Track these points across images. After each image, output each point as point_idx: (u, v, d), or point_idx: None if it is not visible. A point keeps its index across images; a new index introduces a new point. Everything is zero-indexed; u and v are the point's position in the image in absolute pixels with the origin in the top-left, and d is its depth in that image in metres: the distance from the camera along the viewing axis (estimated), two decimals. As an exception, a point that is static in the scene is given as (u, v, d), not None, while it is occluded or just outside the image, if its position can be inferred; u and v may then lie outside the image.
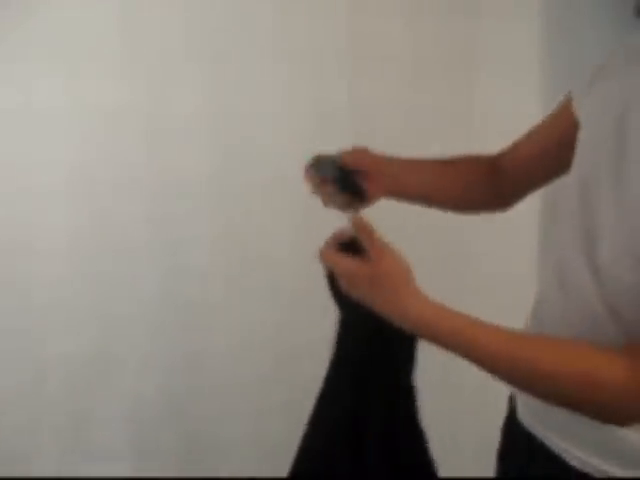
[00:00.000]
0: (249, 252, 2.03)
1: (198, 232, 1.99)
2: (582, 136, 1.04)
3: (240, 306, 2.04)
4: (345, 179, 1.16)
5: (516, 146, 1.27)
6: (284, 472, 1.13)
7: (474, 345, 0.89)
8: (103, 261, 1.95)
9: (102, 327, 1.99)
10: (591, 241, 0.93)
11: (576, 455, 1.00)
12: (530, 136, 1.25)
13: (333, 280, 1.01)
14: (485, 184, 1.28)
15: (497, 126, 1.95)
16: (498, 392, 1.16)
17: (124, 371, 2.02)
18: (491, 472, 1.23)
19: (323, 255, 1.00)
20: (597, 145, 0.96)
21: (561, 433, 1.04)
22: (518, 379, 0.90)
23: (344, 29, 1.94)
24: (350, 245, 1.00)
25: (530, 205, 1.28)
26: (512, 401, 1.21)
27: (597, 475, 0.98)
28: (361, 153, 1.21)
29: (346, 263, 0.96)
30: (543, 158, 1.22)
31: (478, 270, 2.10)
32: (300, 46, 1.93)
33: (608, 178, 0.91)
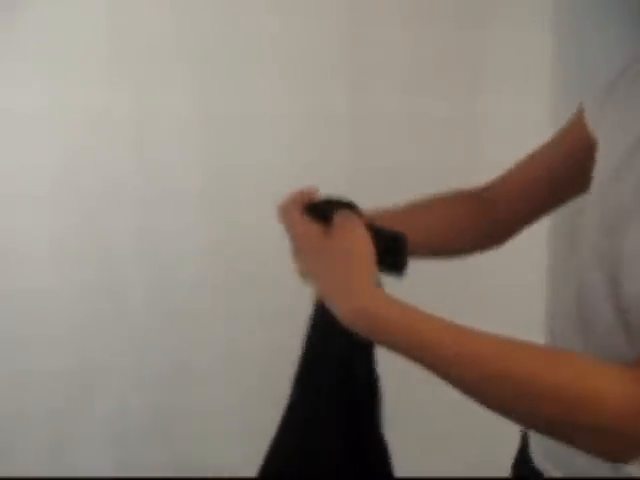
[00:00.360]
0: (239, 263, 1.98)
1: (187, 242, 1.94)
2: (600, 158, 0.96)
3: (229, 319, 1.99)
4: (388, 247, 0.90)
5: (511, 174, 1.16)
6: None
7: (440, 351, 0.76)
8: (87, 271, 1.89)
9: (85, 340, 1.93)
10: (617, 276, 0.84)
11: None
12: (532, 158, 1.14)
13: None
14: (475, 226, 1.15)
15: (502, 137, 1.90)
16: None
17: (108, 386, 1.97)
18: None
19: (282, 210, 0.91)
20: (619, 170, 0.88)
21: (574, 473, 0.97)
22: (503, 397, 0.76)
23: (343, 34, 1.88)
24: (318, 210, 0.92)
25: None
26: (524, 437, 1.15)
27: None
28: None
29: (306, 225, 0.88)
30: (548, 181, 1.11)
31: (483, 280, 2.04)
32: (297, 51, 1.87)
33: (636, 207, 0.82)
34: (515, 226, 1.17)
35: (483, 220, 1.15)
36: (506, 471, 1.22)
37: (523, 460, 1.12)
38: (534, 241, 1.95)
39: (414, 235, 1.03)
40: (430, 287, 1.56)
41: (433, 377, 0.77)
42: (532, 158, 1.14)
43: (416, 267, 0.92)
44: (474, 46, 1.92)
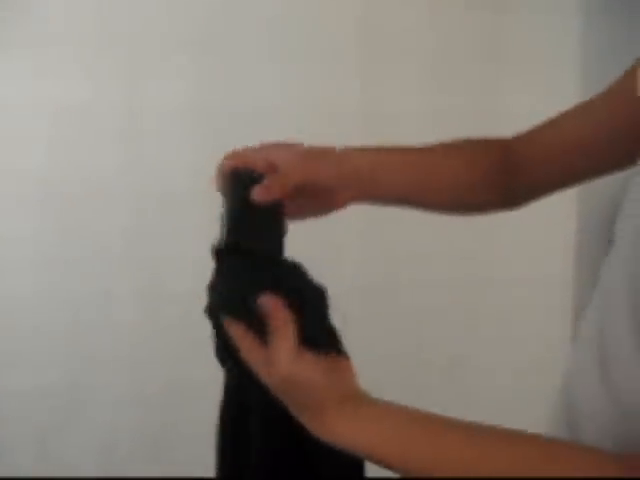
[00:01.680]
0: None
1: (182, 246, 1.88)
2: None
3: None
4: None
5: (542, 131, 1.01)
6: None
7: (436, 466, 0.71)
8: (73, 281, 1.83)
9: (72, 356, 1.87)
10: None
11: None
12: (568, 117, 0.99)
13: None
14: (493, 180, 1.02)
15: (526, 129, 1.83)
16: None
17: (97, 405, 1.90)
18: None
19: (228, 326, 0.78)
20: None
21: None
22: None
23: (356, 20, 1.83)
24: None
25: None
26: None
27: None
28: (292, 158, 0.89)
29: (252, 353, 0.75)
30: (584, 145, 0.96)
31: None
32: (305, 36, 1.82)
33: None
34: (538, 190, 1.04)
35: (504, 175, 1.01)
36: None
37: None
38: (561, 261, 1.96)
39: (416, 184, 0.96)
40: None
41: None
42: (568, 117, 0.99)
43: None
44: (496, 32, 1.87)
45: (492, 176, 1.00)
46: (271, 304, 0.74)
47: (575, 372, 0.88)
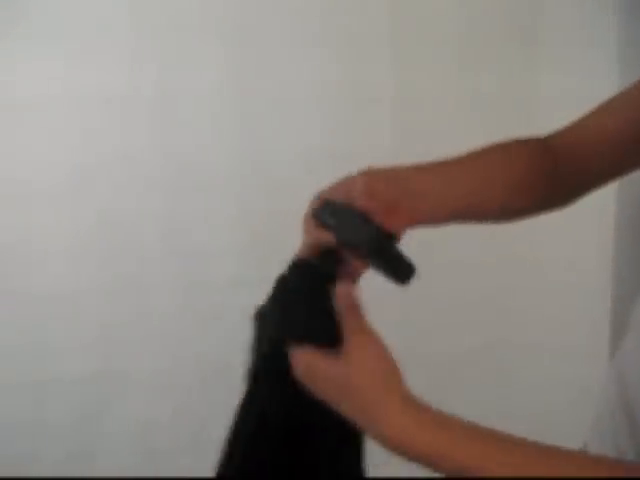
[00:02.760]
0: (277, 256, 1.86)
1: (219, 234, 1.86)
2: None
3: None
4: (383, 251, 0.79)
5: (583, 123, 0.98)
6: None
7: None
8: (109, 269, 1.83)
9: (109, 343, 1.87)
10: None
11: None
12: (612, 107, 0.96)
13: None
14: (536, 181, 0.97)
15: (565, 116, 1.77)
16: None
17: (134, 393, 1.90)
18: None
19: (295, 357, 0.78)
20: None
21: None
22: None
23: (387, 3, 1.80)
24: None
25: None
26: None
27: None
28: (376, 187, 0.85)
29: (308, 357, 0.76)
30: (631, 136, 0.92)
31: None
32: (334, 22, 1.79)
33: None
34: (581, 187, 1.00)
35: (544, 176, 0.97)
36: None
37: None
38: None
39: (462, 195, 0.91)
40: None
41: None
42: (612, 106, 0.96)
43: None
44: (533, 11, 1.83)
45: (535, 177, 0.97)
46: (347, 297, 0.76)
47: (630, 357, 0.86)
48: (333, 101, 1.80)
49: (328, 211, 0.81)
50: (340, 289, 0.77)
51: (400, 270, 0.79)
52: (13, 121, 1.71)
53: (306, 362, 0.76)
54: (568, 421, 1.47)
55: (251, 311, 0.94)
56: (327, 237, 0.81)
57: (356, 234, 0.78)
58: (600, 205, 1.94)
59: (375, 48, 1.81)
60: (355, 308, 0.76)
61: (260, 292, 1.75)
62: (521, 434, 0.72)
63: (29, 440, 1.86)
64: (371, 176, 0.85)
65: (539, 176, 0.96)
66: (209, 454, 2.01)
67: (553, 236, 1.89)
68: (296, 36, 1.77)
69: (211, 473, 1.92)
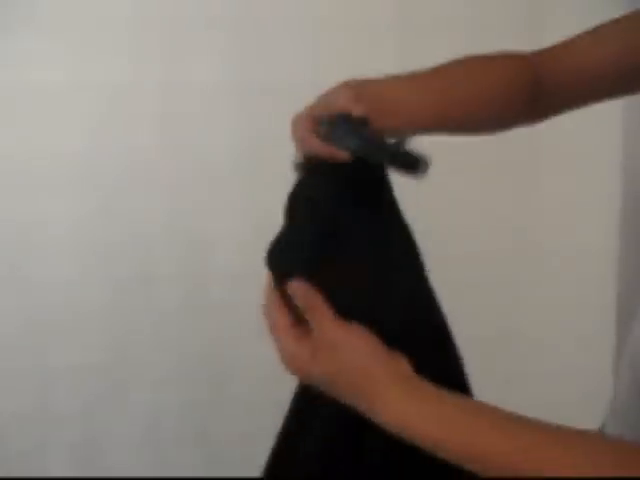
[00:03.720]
0: None
1: (223, 226, 1.86)
2: None
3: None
4: (395, 154, 0.79)
5: (572, 46, 0.96)
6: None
7: (487, 464, 0.68)
8: (114, 260, 1.83)
9: (115, 335, 1.86)
10: None
11: None
12: (602, 33, 0.95)
13: None
14: (521, 94, 0.97)
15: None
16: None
17: (141, 384, 1.90)
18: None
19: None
20: None
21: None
22: None
23: None
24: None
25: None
26: None
27: None
28: (363, 96, 0.85)
29: (290, 346, 0.76)
30: (619, 65, 0.91)
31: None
32: (336, 9, 1.77)
33: None
34: (563, 106, 1.00)
35: (526, 91, 0.97)
36: None
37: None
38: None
39: (451, 104, 0.92)
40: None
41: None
42: (598, 35, 0.95)
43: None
44: (537, 4, 1.82)
45: (518, 89, 0.97)
46: (301, 290, 0.75)
47: (617, 403, 0.87)
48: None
49: (328, 127, 0.82)
50: (294, 288, 0.76)
51: (416, 164, 0.78)
52: (18, 113, 1.70)
53: (284, 349, 0.76)
54: (577, 409, 1.46)
55: (256, 305, 0.94)
56: (327, 149, 0.80)
57: (367, 146, 0.79)
58: (606, 196, 1.93)
59: (379, 42, 1.80)
60: (318, 306, 0.75)
61: (263, 282, 1.74)
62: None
63: (34, 431, 1.86)
64: (352, 85, 0.86)
65: (521, 89, 0.97)
66: (214, 446, 2.02)
67: (560, 228, 1.90)
68: (299, 30, 1.77)
69: (216, 466, 1.93)
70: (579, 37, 0.95)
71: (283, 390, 1.95)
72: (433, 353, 0.81)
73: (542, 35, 1.79)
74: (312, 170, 0.84)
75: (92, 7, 1.67)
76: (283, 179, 1.87)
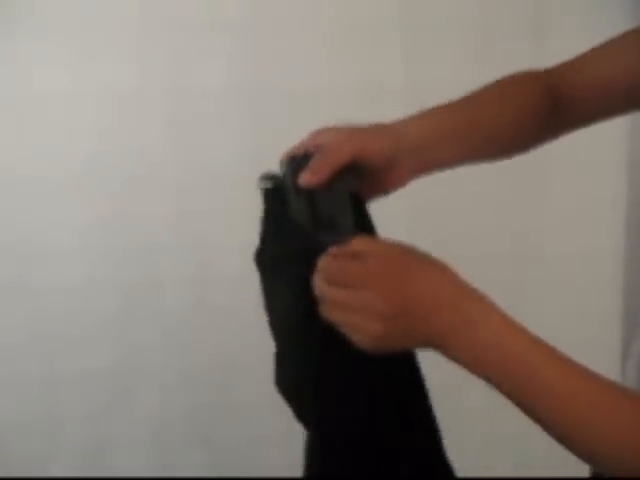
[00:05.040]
0: None
1: (229, 230, 1.83)
2: None
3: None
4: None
5: (581, 61, 0.96)
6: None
7: (552, 402, 0.69)
8: (122, 265, 1.81)
9: (122, 339, 1.85)
10: None
11: None
12: (608, 48, 0.94)
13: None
14: (542, 114, 0.97)
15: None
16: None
17: (148, 388, 1.89)
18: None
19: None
20: None
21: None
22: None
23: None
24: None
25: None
26: None
27: None
28: (346, 142, 0.84)
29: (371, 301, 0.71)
30: (630, 79, 0.91)
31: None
32: (345, 12, 1.75)
33: None
34: (579, 122, 1.00)
35: (548, 109, 0.97)
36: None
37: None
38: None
39: (479, 134, 0.91)
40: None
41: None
42: (610, 48, 0.94)
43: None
44: (544, 6, 1.79)
45: (541, 111, 0.97)
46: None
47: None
48: (344, 97, 1.77)
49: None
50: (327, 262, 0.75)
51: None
52: (25, 118, 1.68)
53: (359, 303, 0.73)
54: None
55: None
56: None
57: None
58: (612, 199, 1.93)
59: (385, 43, 1.78)
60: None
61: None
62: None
63: (42, 436, 1.86)
64: (360, 133, 0.86)
65: (541, 110, 0.97)
66: (220, 450, 2.01)
67: (565, 231, 1.89)
68: (308, 33, 1.75)
69: (222, 469, 1.93)
70: (588, 53, 0.96)
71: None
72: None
73: (548, 35, 1.82)
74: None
75: (99, 11, 1.66)
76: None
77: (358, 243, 0.74)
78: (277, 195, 0.83)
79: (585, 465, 0.90)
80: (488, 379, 0.69)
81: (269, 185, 0.83)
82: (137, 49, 1.69)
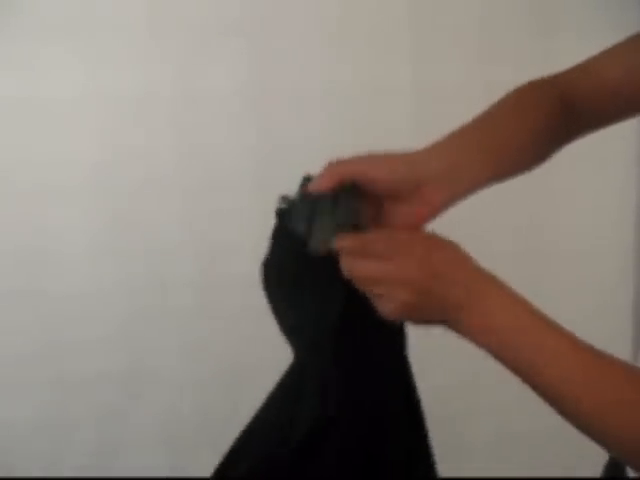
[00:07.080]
0: None
1: (239, 232, 1.84)
2: None
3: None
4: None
5: (589, 65, 0.96)
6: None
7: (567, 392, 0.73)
8: (130, 268, 1.82)
9: (132, 342, 1.86)
10: None
11: None
12: (613, 53, 0.94)
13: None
14: (558, 123, 0.96)
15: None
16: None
17: (158, 390, 1.90)
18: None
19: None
20: None
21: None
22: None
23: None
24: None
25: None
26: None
27: None
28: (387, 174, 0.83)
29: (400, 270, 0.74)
30: (636, 83, 0.91)
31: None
32: (352, 19, 1.75)
33: None
34: (591, 125, 1.00)
35: (561, 117, 0.96)
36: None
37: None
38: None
39: (507, 152, 0.91)
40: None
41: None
42: (616, 52, 0.94)
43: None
44: (550, 5, 1.79)
45: (556, 119, 0.96)
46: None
47: None
48: (351, 99, 1.77)
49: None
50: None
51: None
52: (32, 121, 1.69)
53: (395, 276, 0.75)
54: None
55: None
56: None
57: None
58: (623, 197, 1.92)
59: (393, 43, 1.77)
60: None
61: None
62: (552, 425, 0.72)
63: (54, 438, 1.86)
64: (371, 156, 0.86)
65: (556, 119, 0.96)
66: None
67: (576, 229, 1.89)
68: (316, 36, 1.74)
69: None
70: (596, 57, 0.95)
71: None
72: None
73: (556, 36, 1.81)
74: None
75: (106, 15, 1.66)
76: (297, 185, 1.87)
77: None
78: (288, 216, 0.84)
79: (595, 466, 0.90)
80: (498, 349, 0.74)
81: (284, 206, 0.82)
82: (144, 53, 1.69)
